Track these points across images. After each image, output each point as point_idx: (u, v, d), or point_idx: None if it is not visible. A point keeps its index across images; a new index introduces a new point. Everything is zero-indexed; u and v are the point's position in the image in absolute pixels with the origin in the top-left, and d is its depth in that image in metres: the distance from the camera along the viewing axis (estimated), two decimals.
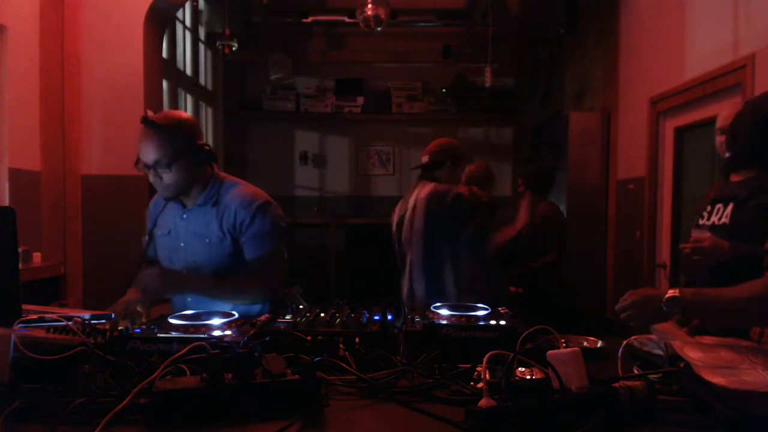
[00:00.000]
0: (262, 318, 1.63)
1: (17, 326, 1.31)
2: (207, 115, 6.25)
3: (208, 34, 6.18)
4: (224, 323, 1.49)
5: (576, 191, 4.66)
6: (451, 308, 1.61)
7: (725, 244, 1.79)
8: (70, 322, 1.36)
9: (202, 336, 1.41)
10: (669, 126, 3.90)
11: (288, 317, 1.62)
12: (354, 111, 6.75)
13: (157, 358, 1.28)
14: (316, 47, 6.77)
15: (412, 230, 2.82)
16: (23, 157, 3.42)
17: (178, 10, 4.77)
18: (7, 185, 3.27)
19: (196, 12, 5.93)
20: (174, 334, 1.41)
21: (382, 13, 5.10)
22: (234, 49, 5.47)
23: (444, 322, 1.53)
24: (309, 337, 1.44)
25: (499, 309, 1.68)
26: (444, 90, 6.80)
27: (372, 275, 2.85)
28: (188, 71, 5.65)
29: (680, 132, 3.83)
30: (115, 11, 3.87)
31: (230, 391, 1.09)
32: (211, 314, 1.55)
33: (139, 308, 1.95)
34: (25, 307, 1.47)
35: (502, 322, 1.52)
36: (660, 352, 1.27)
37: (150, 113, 3.32)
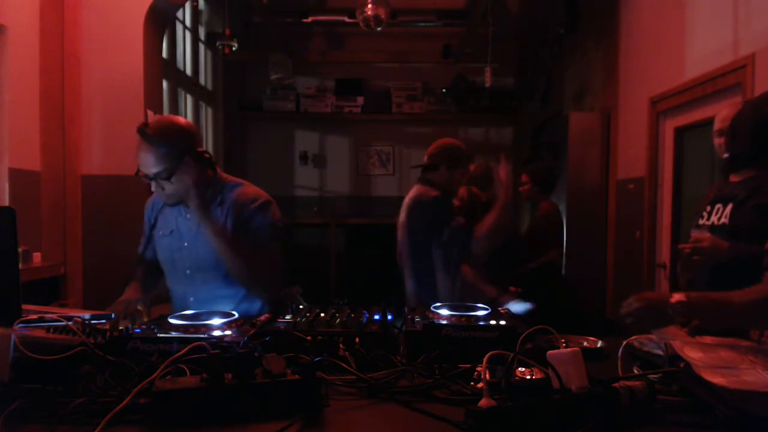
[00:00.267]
0: (262, 318, 1.63)
1: (17, 326, 1.31)
2: (207, 115, 6.25)
3: (208, 34, 6.18)
4: (224, 323, 1.49)
5: (576, 191, 4.66)
6: (451, 308, 1.61)
7: (725, 244, 1.79)
8: (70, 322, 1.37)
9: (202, 336, 1.41)
10: (669, 126, 3.91)
11: (288, 317, 1.62)
12: (354, 111, 6.75)
13: (157, 358, 1.28)
14: (316, 47, 6.77)
15: (401, 232, 2.82)
16: (23, 157, 3.42)
17: (178, 10, 4.77)
18: (7, 185, 3.27)
19: (196, 12, 5.93)
20: (174, 334, 1.41)
21: (382, 13, 5.10)
22: (234, 49, 5.47)
23: (444, 322, 1.53)
24: (309, 337, 1.44)
25: (499, 309, 1.68)
26: (444, 90, 6.80)
27: (372, 275, 2.85)
28: (188, 71, 5.65)
29: (680, 132, 3.83)
30: (115, 11, 3.87)
31: (230, 391, 1.09)
32: (211, 314, 1.56)
33: (139, 307, 1.96)
34: (25, 307, 1.47)
35: (502, 322, 1.52)
36: (660, 352, 1.27)
37: (150, 113, 3.31)
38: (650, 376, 1.21)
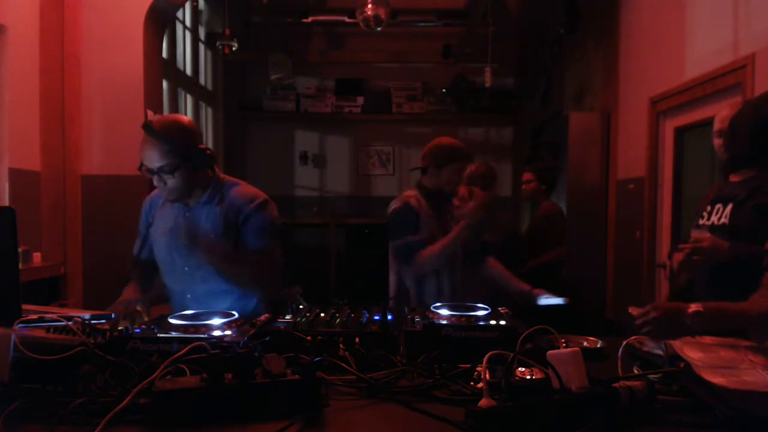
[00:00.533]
0: (262, 318, 1.63)
1: (17, 326, 1.31)
2: (207, 115, 6.25)
3: (208, 34, 6.18)
4: (224, 323, 1.49)
5: (576, 191, 4.65)
6: (451, 308, 1.61)
7: (725, 244, 1.79)
8: (70, 322, 1.37)
9: (202, 336, 1.41)
10: (669, 126, 3.90)
11: (288, 317, 1.63)
12: (354, 111, 6.75)
13: (157, 358, 1.28)
14: (316, 47, 6.76)
15: None
16: (23, 157, 3.42)
17: (178, 10, 4.77)
18: (7, 185, 3.27)
19: (196, 12, 5.93)
20: (174, 334, 1.42)
21: (382, 13, 5.10)
22: (234, 49, 5.47)
23: (444, 322, 1.54)
24: (309, 337, 1.44)
25: (499, 309, 1.68)
26: (444, 90, 6.80)
27: (372, 275, 2.85)
28: (188, 71, 5.65)
29: (680, 132, 3.83)
30: (115, 11, 3.87)
31: (230, 391, 1.09)
32: (211, 314, 1.56)
33: (138, 308, 1.96)
34: (25, 307, 1.47)
35: (502, 322, 1.52)
36: (660, 352, 1.27)
37: (150, 113, 3.34)
38: (650, 376, 1.21)
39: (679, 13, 3.63)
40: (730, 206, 1.86)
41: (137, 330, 1.44)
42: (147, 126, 1.89)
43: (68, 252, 3.81)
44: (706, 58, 3.33)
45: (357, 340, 1.45)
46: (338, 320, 1.60)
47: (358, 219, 6.69)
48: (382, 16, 5.11)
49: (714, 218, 1.92)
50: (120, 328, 1.60)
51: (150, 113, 3.93)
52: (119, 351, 1.34)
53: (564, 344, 1.24)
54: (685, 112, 3.68)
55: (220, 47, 5.51)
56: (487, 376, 1.10)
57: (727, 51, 3.11)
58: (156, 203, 2.13)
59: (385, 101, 6.79)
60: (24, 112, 3.44)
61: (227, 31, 5.40)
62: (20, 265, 1.92)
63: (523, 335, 1.28)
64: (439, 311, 1.60)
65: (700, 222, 1.99)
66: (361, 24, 5.22)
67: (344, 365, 1.33)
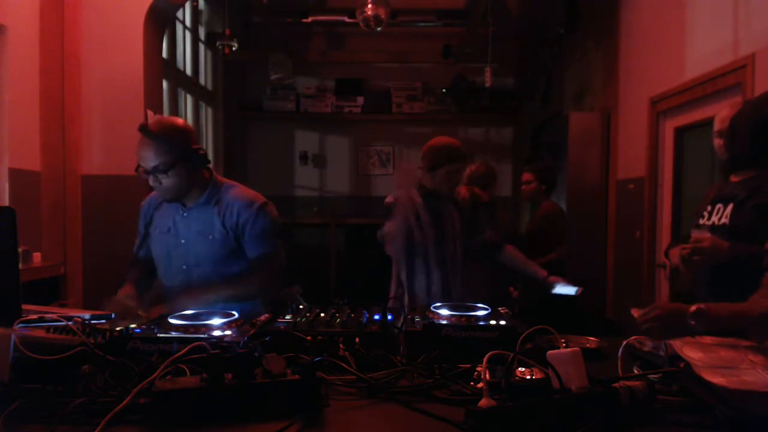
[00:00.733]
0: (262, 318, 1.63)
1: (17, 326, 1.31)
2: (207, 115, 6.25)
3: (208, 34, 6.18)
4: (224, 323, 1.49)
5: (576, 191, 4.65)
6: (451, 308, 1.61)
7: (725, 244, 1.79)
8: (70, 322, 1.37)
9: (202, 336, 1.41)
10: (669, 126, 3.90)
11: (288, 317, 1.63)
12: (354, 111, 6.75)
13: (157, 358, 1.28)
14: (316, 47, 6.76)
15: None
16: (23, 157, 3.42)
17: (178, 10, 4.77)
18: (7, 185, 3.27)
19: (196, 12, 5.93)
20: (174, 334, 1.41)
21: (382, 13, 5.10)
22: (234, 49, 5.47)
23: (444, 322, 1.53)
24: (309, 337, 1.44)
25: (499, 309, 1.68)
26: (444, 90, 6.80)
27: (372, 275, 2.85)
28: (188, 71, 5.64)
29: (680, 132, 3.83)
30: (115, 11, 3.87)
31: (230, 391, 1.09)
32: (211, 314, 1.56)
33: (131, 303, 1.96)
34: (25, 307, 1.47)
35: (502, 322, 1.52)
36: (660, 352, 1.27)
37: (150, 113, 3.38)
38: (650, 376, 1.21)
39: (679, 13, 3.63)
40: (730, 206, 1.86)
41: (137, 330, 1.44)
42: (142, 127, 1.95)
43: (68, 252, 3.81)
44: (706, 58, 3.33)
45: (357, 340, 1.45)
46: (338, 320, 1.60)
47: (358, 219, 6.69)
48: (382, 16, 5.11)
49: (714, 218, 1.92)
50: (119, 328, 1.60)
51: (150, 113, 3.93)
52: (119, 351, 1.34)
53: (564, 344, 1.24)
54: (685, 112, 3.68)
55: (220, 47, 5.51)
56: (487, 376, 1.10)
57: (727, 51, 3.11)
58: (154, 203, 2.17)
59: (385, 101, 6.79)
60: (24, 112, 3.44)
61: (227, 31, 5.40)
62: (20, 265, 1.92)
63: (523, 335, 1.28)
64: (439, 311, 1.60)
65: (701, 222, 1.99)
66: (361, 24, 5.22)
67: (344, 365, 1.33)
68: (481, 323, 1.53)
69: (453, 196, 2.80)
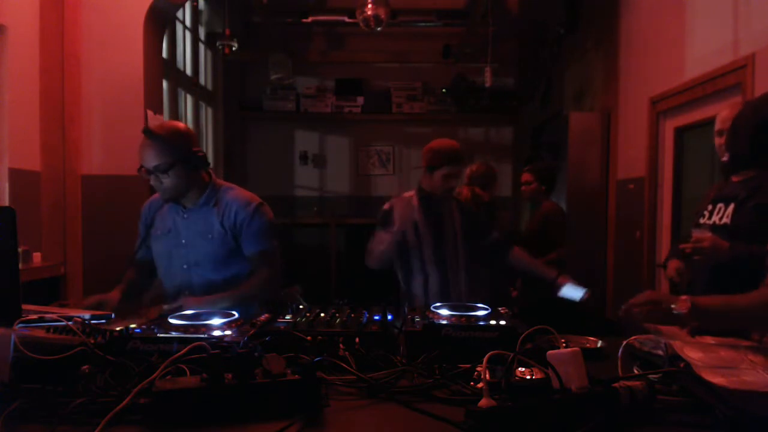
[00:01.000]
0: (262, 318, 1.63)
1: (17, 326, 1.31)
2: (207, 115, 6.25)
3: (208, 34, 6.18)
4: (224, 323, 1.49)
5: (576, 191, 4.65)
6: (451, 308, 1.61)
7: (725, 243, 1.79)
8: (70, 322, 1.37)
9: (202, 336, 1.41)
10: (669, 126, 3.91)
11: (288, 317, 1.63)
12: (354, 111, 6.75)
13: (157, 358, 1.28)
14: (316, 47, 6.76)
15: None
16: (23, 157, 3.42)
17: (178, 10, 4.77)
18: (7, 185, 3.26)
19: (196, 12, 5.93)
20: (174, 334, 1.41)
21: (382, 13, 5.10)
22: (234, 49, 5.47)
23: (444, 322, 1.53)
24: (309, 337, 1.44)
25: (499, 309, 1.68)
26: (444, 90, 6.80)
27: (372, 275, 2.86)
28: (188, 71, 5.64)
29: (680, 132, 3.83)
30: (115, 11, 3.86)
31: (230, 391, 1.09)
32: (211, 314, 1.56)
33: (106, 305, 2.01)
34: (25, 307, 1.47)
35: (502, 322, 1.52)
36: (660, 352, 1.27)
37: (150, 114, 3.43)
38: (650, 376, 1.21)
39: (679, 13, 3.63)
40: (731, 206, 1.86)
41: (137, 330, 1.44)
42: (146, 130, 2.02)
43: (68, 252, 3.81)
44: (706, 58, 3.33)
45: (357, 340, 1.45)
46: (338, 320, 1.60)
47: (358, 219, 6.69)
48: (382, 16, 5.11)
49: (715, 217, 1.92)
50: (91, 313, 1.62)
51: (150, 113, 3.93)
52: (119, 351, 1.34)
53: (564, 344, 1.24)
54: (685, 112, 3.68)
55: (220, 47, 5.51)
56: (487, 376, 1.10)
57: (727, 51, 3.11)
58: (155, 205, 2.22)
59: (385, 101, 6.79)
60: (24, 112, 3.44)
61: (227, 31, 5.40)
62: (20, 265, 1.92)
63: (523, 335, 1.28)
64: (439, 311, 1.60)
65: (701, 221, 1.99)
66: (361, 24, 5.22)
67: (344, 365, 1.33)
68: (481, 323, 1.53)
69: (452, 197, 2.80)
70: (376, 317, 1.61)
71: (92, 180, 3.89)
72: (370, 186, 7.09)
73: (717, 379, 1.13)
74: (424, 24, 6.44)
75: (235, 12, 5.77)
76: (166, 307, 1.92)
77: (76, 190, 3.85)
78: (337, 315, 1.66)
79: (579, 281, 2.68)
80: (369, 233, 2.84)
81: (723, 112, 2.22)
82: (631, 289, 4.24)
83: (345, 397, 1.24)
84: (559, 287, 2.67)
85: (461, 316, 1.56)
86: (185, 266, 2.12)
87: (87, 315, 1.52)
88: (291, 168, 7.05)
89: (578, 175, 4.67)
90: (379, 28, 5.18)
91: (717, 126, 2.23)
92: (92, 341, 1.32)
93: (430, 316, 1.58)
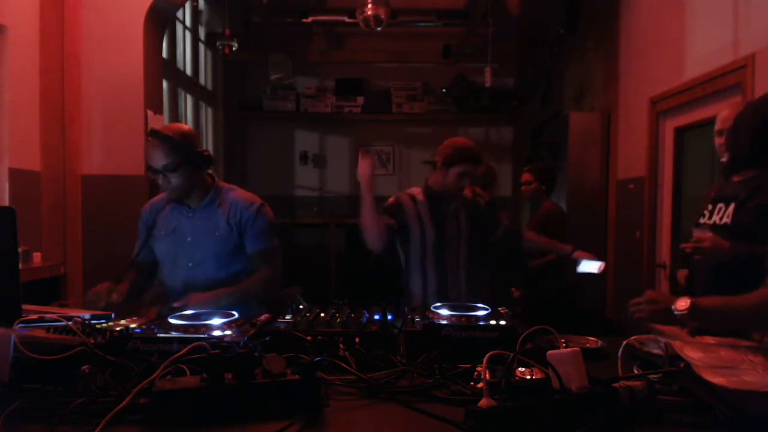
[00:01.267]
0: (262, 318, 1.63)
1: (17, 326, 1.31)
2: (207, 115, 6.25)
3: (208, 34, 6.18)
4: (224, 323, 1.49)
5: (576, 191, 4.65)
6: (451, 308, 1.61)
7: (725, 244, 1.79)
8: (70, 322, 1.37)
9: (202, 336, 1.41)
10: (669, 126, 3.90)
11: (288, 317, 1.63)
12: (354, 111, 6.75)
13: (157, 358, 1.28)
14: (316, 47, 6.76)
15: None
16: (23, 157, 3.42)
17: (178, 10, 4.77)
18: (7, 185, 3.26)
19: (196, 12, 5.93)
20: (174, 334, 1.41)
21: (382, 13, 5.10)
22: (234, 49, 5.47)
23: (444, 322, 1.53)
24: (309, 337, 1.44)
25: (499, 309, 1.68)
26: (444, 90, 6.80)
27: (372, 275, 2.85)
28: (188, 71, 5.64)
29: (680, 132, 3.83)
30: (115, 11, 3.87)
31: (230, 391, 1.09)
32: (211, 314, 1.56)
33: (113, 295, 2.02)
34: (25, 307, 1.47)
35: (502, 322, 1.52)
36: (660, 352, 1.27)
37: (150, 114, 3.47)
38: (650, 376, 1.21)
39: (679, 13, 3.63)
40: (732, 206, 1.86)
41: (137, 330, 1.44)
42: (152, 131, 2.12)
43: (68, 252, 3.81)
44: (706, 58, 3.33)
45: (357, 340, 1.45)
46: (338, 320, 1.60)
47: (358, 219, 6.68)
48: (382, 16, 5.11)
49: (716, 217, 1.92)
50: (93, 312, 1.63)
51: (150, 113, 3.93)
52: (119, 351, 1.34)
53: (564, 344, 1.24)
54: (685, 112, 3.68)
55: (220, 47, 5.51)
56: (487, 376, 1.10)
57: (727, 51, 3.11)
58: (157, 207, 2.27)
59: (385, 101, 6.79)
60: (24, 112, 3.44)
61: (227, 31, 5.40)
62: (20, 265, 1.92)
63: (523, 335, 1.28)
64: (439, 311, 1.60)
65: (701, 221, 1.99)
66: (361, 24, 5.22)
67: (344, 365, 1.33)
68: (481, 323, 1.53)
69: (461, 196, 2.79)
70: (376, 317, 1.61)
71: (92, 180, 3.88)
72: None
73: (717, 379, 1.13)
74: (424, 24, 6.44)
75: (235, 12, 5.77)
76: (175, 305, 1.94)
77: (76, 190, 3.85)
78: (337, 315, 1.66)
79: (579, 281, 2.70)
80: None
81: (723, 112, 2.22)
82: (631, 289, 4.25)
83: (345, 397, 1.24)
84: (575, 262, 2.74)
85: (461, 316, 1.56)
86: (190, 264, 2.18)
87: (87, 315, 1.52)
88: (291, 168, 7.06)
89: (578, 175, 4.67)
90: (379, 28, 5.18)
91: (717, 126, 2.23)
92: (92, 341, 1.33)
93: (430, 316, 1.58)
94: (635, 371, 1.28)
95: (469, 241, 2.74)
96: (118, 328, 1.45)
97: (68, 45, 3.79)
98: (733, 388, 1.10)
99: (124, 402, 1.06)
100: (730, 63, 3.08)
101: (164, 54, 4.56)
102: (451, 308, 1.61)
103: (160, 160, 2.06)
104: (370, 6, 5.07)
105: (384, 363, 1.38)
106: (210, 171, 2.25)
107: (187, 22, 5.69)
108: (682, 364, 1.20)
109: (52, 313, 1.47)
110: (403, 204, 2.70)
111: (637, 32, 4.28)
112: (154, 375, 1.11)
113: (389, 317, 1.62)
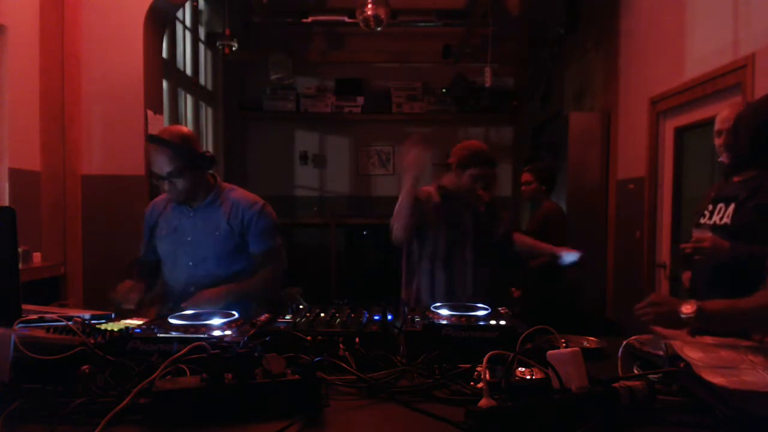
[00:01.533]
0: (262, 318, 1.63)
1: (17, 326, 1.31)
2: (207, 115, 6.25)
3: (208, 34, 6.18)
4: (224, 323, 1.49)
5: (576, 191, 4.65)
6: (451, 308, 1.61)
7: (726, 244, 1.79)
8: (70, 322, 1.37)
9: (202, 336, 1.41)
10: (669, 126, 3.90)
11: (288, 317, 1.63)
12: (354, 111, 6.75)
13: (157, 358, 1.28)
14: (316, 47, 6.76)
15: None
16: (23, 157, 3.42)
17: (178, 10, 4.77)
18: (7, 185, 3.26)
19: (196, 12, 5.93)
20: (174, 334, 1.41)
21: (382, 13, 5.10)
22: (234, 49, 5.47)
23: (444, 322, 1.53)
24: (309, 337, 1.44)
25: (499, 309, 1.68)
26: (444, 90, 6.80)
27: (372, 275, 2.85)
28: (188, 71, 5.64)
29: (680, 132, 3.83)
30: (115, 11, 3.87)
31: (230, 391, 1.09)
32: (211, 314, 1.56)
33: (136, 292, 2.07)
34: (25, 307, 1.48)
35: (502, 322, 1.52)
36: (660, 352, 1.27)
37: (150, 114, 3.47)
38: (650, 376, 1.21)
39: (678, 13, 3.62)
40: (732, 206, 1.86)
41: (137, 330, 1.44)
42: (152, 137, 2.12)
43: (68, 252, 3.81)
44: (706, 58, 3.33)
45: (357, 340, 1.45)
46: (338, 320, 1.60)
47: (358, 219, 6.69)
48: (382, 16, 5.11)
49: (716, 217, 1.92)
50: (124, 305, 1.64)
51: (150, 113, 3.93)
52: (119, 351, 1.34)
53: (564, 344, 1.24)
54: (685, 112, 3.68)
55: (220, 47, 5.51)
56: (487, 376, 1.10)
57: (727, 51, 3.11)
58: (159, 208, 2.29)
59: (385, 101, 6.79)
60: (24, 112, 3.44)
61: (227, 31, 5.40)
62: (20, 265, 1.92)
63: (523, 335, 1.28)
64: (439, 311, 1.60)
65: (701, 221, 1.99)
66: (361, 24, 5.22)
67: (344, 365, 1.33)
68: (481, 323, 1.53)
69: (473, 198, 2.79)
70: (376, 317, 1.61)
71: (92, 180, 3.89)
72: (370, 186, 7.09)
73: (717, 379, 1.13)
74: (424, 24, 6.44)
75: (235, 12, 5.77)
76: (183, 304, 1.96)
77: (76, 190, 3.86)
78: (337, 315, 1.66)
79: (579, 281, 2.71)
80: (369, 233, 2.83)
81: (723, 112, 2.22)
82: (631, 290, 4.25)
83: (345, 397, 1.24)
84: (558, 257, 2.84)
85: (461, 316, 1.56)
86: (191, 263, 2.19)
87: (87, 315, 1.53)
88: (291, 168, 7.05)
89: (578, 175, 4.67)
90: (379, 28, 5.18)
91: (716, 126, 2.23)
92: (92, 341, 1.33)
93: (430, 316, 1.58)
94: (635, 371, 1.28)
95: (475, 241, 2.74)
96: (118, 328, 1.45)
97: (68, 45, 3.79)
98: (733, 388, 1.10)
99: (124, 402, 1.06)
100: (730, 63, 3.08)
101: (164, 54, 4.56)
102: (451, 308, 1.61)
103: (164, 166, 2.07)
104: (370, 6, 5.07)
105: (384, 363, 1.38)
106: (212, 171, 2.25)
107: (187, 22, 5.69)
108: (682, 364, 1.20)
109: (52, 313, 1.47)
110: (423, 202, 2.69)
111: (637, 32, 4.28)
112: (154, 375, 1.11)
113: (389, 317, 1.62)
